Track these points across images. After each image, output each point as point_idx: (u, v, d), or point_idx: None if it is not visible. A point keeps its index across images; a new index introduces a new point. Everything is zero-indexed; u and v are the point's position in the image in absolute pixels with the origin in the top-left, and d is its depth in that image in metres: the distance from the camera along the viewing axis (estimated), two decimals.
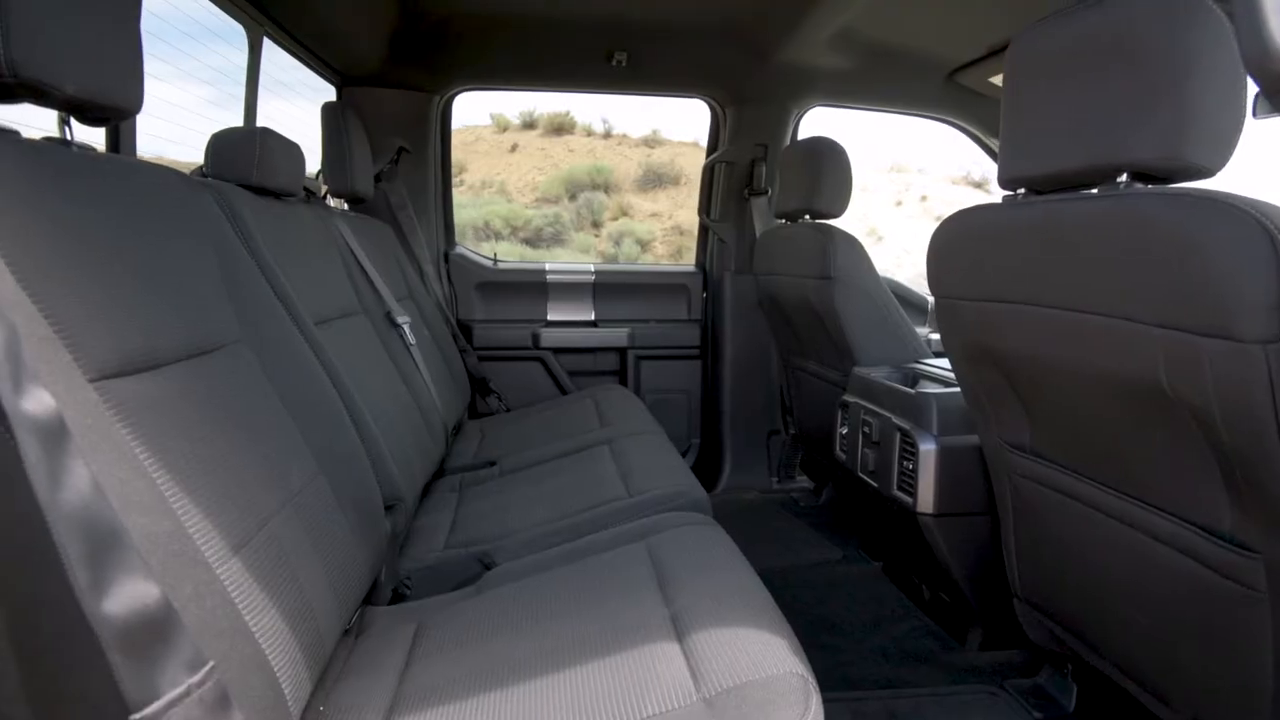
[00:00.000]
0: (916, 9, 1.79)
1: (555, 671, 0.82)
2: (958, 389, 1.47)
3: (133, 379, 0.70)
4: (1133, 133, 0.84)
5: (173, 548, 0.63)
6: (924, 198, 11.99)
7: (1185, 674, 0.98)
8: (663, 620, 0.89)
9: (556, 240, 11.35)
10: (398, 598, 1.20)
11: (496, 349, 2.40)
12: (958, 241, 1.13)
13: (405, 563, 1.29)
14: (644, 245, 11.31)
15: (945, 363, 1.72)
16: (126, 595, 0.50)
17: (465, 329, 2.37)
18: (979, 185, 11.73)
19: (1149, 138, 0.83)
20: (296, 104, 2.09)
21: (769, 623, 0.85)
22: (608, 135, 13.18)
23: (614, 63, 2.08)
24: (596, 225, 11.69)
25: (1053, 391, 1.06)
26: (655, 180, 12.27)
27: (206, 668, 0.54)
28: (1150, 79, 0.82)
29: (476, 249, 2.52)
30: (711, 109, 2.37)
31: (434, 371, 1.86)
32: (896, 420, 1.48)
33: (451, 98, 2.28)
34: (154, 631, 0.51)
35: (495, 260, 2.47)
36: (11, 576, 0.51)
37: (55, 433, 0.50)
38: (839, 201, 1.89)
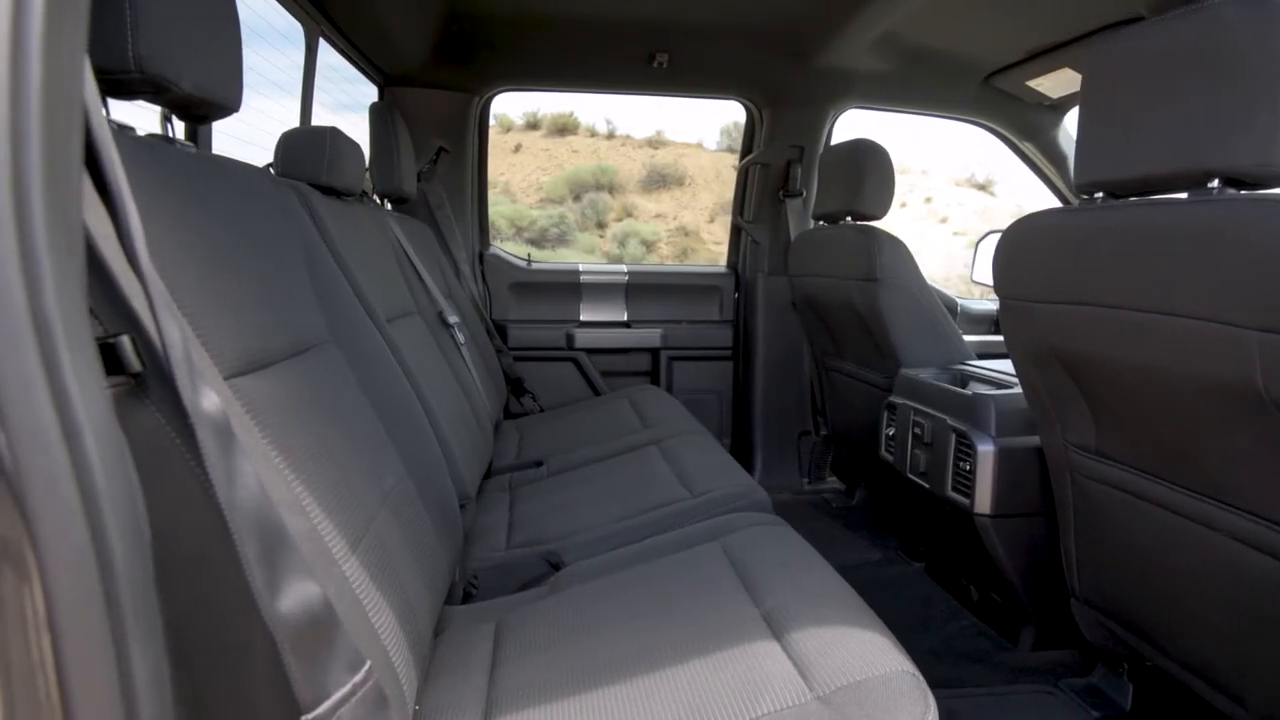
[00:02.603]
0: (959, 13, 1.80)
1: (655, 671, 0.82)
2: (1012, 390, 1.48)
3: (252, 377, 0.70)
4: (1226, 139, 0.85)
5: (312, 546, 0.63)
6: (928, 199, 12.02)
7: (1263, 673, 0.99)
8: (756, 620, 0.89)
9: (561, 241, 11.35)
10: (465, 596, 1.20)
11: (531, 349, 2.40)
12: (1030, 244, 1.13)
13: (469, 562, 1.29)
14: (649, 246, 11.33)
15: (991, 364, 1.73)
16: (296, 595, 0.50)
17: (500, 329, 2.38)
18: (983, 187, 11.78)
19: (1244, 144, 0.84)
20: (283, 104, 2.04)
21: (868, 622, 0.86)
22: (611, 136, 13.20)
23: (655, 64, 2.09)
24: (601, 226, 11.70)
25: (1126, 393, 1.06)
26: (659, 181, 12.28)
27: (365, 667, 0.54)
28: (1244, 86, 0.83)
29: None
30: (748, 110, 2.38)
31: (477, 371, 1.86)
32: (952, 422, 1.48)
33: (491, 98, 2.29)
34: (320, 632, 0.52)
35: (529, 261, 2.48)
36: (177, 578, 0.52)
37: (226, 431, 0.50)
38: (882, 203, 1.89)
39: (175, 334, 0.48)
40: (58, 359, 0.33)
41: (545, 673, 0.88)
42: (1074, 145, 2.33)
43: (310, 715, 0.50)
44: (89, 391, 0.35)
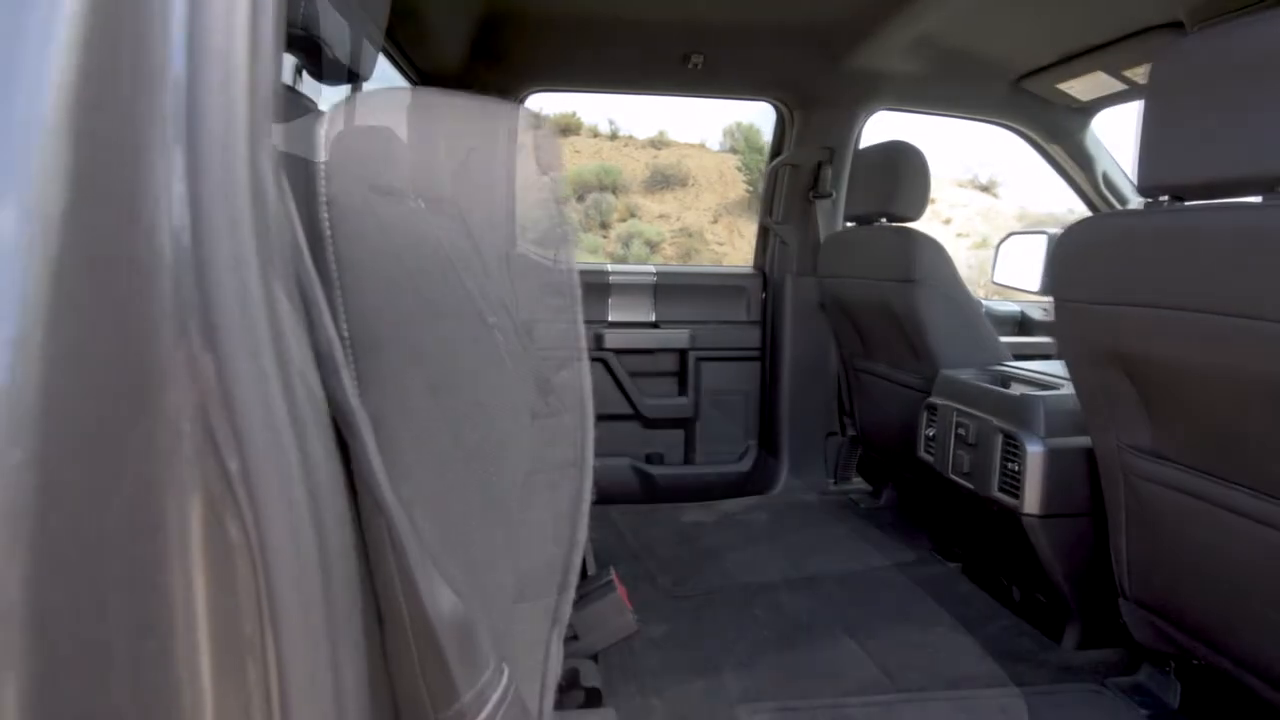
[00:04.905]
0: (994, 16, 1.81)
1: None
2: (1055, 391, 1.49)
3: None
4: None
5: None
6: (932, 200, 12.00)
7: None
8: None
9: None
10: None
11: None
12: (1092, 246, 1.14)
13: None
14: (653, 247, 11.32)
15: (1029, 365, 1.74)
16: (447, 594, 0.51)
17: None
18: (986, 189, 11.82)
19: None
20: None
21: None
22: (614, 136, 13.19)
23: (691, 65, 2.09)
24: (604, 226, 11.69)
25: (1186, 394, 1.07)
26: (662, 182, 12.28)
27: (506, 672, 0.55)
28: None
29: None
30: (779, 112, 2.39)
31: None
32: (998, 423, 1.49)
33: (524, 99, 2.29)
34: (466, 628, 0.52)
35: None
36: None
37: (372, 430, 0.50)
38: (917, 205, 1.90)
39: (333, 331, 0.48)
40: (288, 355, 0.34)
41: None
42: (1101, 148, 2.36)
43: (451, 710, 0.50)
44: (311, 388, 0.35)
